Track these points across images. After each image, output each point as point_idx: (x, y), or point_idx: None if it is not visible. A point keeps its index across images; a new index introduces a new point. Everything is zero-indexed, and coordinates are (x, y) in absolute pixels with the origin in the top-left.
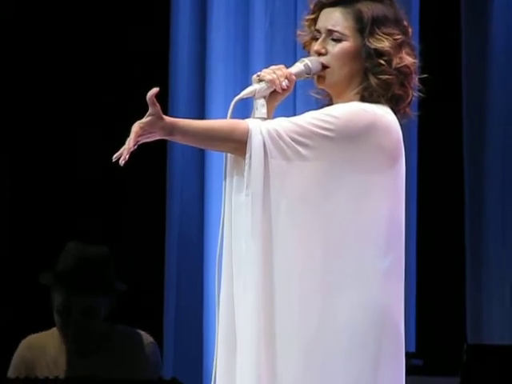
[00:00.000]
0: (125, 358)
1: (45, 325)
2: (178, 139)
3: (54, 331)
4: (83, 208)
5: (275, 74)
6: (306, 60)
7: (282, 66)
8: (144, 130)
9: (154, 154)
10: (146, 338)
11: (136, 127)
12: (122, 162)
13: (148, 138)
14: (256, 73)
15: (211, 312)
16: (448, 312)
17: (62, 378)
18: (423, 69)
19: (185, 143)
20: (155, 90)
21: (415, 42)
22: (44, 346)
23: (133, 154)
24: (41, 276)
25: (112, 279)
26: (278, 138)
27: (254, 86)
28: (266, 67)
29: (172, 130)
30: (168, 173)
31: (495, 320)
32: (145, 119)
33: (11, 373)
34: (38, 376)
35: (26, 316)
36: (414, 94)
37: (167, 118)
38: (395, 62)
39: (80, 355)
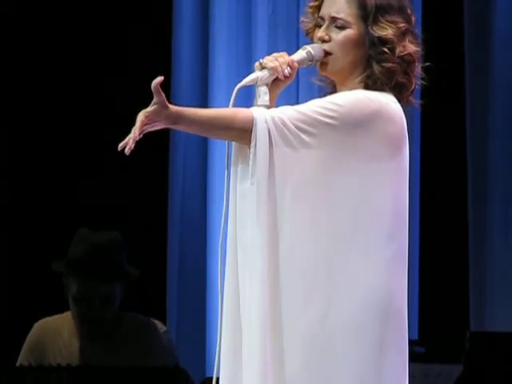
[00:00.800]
0: (136, 344)
1: (56, 310)
2: (182, 128)
3: (68, 315)
4: (86, 192)
5: (277, 61)
6: (309, 47)
7: (284, 53)
8: (149, 119)
9: (156, 139)
10: (160, 326)
11: (141, 116)
12: (127, 151)
13: (153, 127)
14: (258, 60)
15: (214, 298)
16: (451, 300)
17: (74, 364)
18: (426, 57)
19: (189, 132)
20: (160, 78)
21: (418, 30)
22: (58, 329)
23: (138, 142)
24: (53, 263)
25: (125, 265)
26: (282, 126)
27: (257, 74)
28: (269, 54)
29: (177, 119)
30: (171, 157)
31: (498, 307)
32: (150, 108)
33: (23, 355)
34: (50, 360)
35: (37, 302)
36: (417, 82)
37: (172, 107)
38: (398, 50)
39: (93, 340)
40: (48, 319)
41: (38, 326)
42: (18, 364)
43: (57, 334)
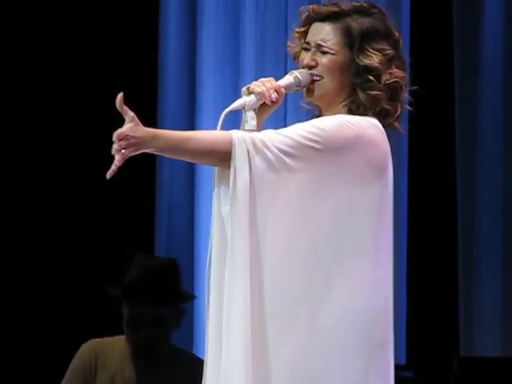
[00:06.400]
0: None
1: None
2: (161, 149)
3: (120, 339)
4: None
5: (265, 86)
6: (296, 72)
7: (271, 79)
8: (127, 139)
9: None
10: None
11: (117, 136)
12: (109, 176)
13: (133, 149)
14: (245, 85)
15: (201, 322)
16: (439, 324)
17: None
18: (414, 80)
19: (168, 155)
20: (120, 95)
21: (405, 53)
22: (109, 352)
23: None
24: (110, 289)
25: (178, 289)
26: (263, 148)
27: (244, 99)
28: (256, 79)
29: (155, 136)
30: (157, 184)
31: (487, 332)
32: (124, 127)
33: (70, 378)
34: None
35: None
36: (404, 106)
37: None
38: (385, 78)
39: (147, 369)
40: (98, 340)
41: (87, 346)
42: None
43: (108, 356)
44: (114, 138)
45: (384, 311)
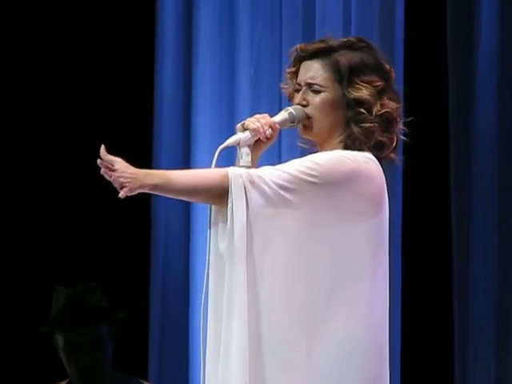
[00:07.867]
0: None
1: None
2: (155, 186)
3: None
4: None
5: (259, 122)
6: (291, 109)
7: (266, 115)
8: (121, 172)
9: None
10: None
11: (109, 160)
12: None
13: (130, 181)
14: (240, 121)
15: (196, 357)
16: (434, 360)
17: None
18: (409, 112)
19: (164, 193)
20: (102, 147)
21: (399, 86)
22: None
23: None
24: (40, 328)
25: (105, 307)
26: (260, 183)
27: (239, 135)
28: (251, 116)
29: (147, 173)
30: (153, 221)
31: (482, 366)
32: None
33: None
34: None
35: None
36: (400, 138)
37: None
38: (376, 109)
39: None
40: None
41: None
42: None
43: None
44: (99, 162)
45: (379, 346)
